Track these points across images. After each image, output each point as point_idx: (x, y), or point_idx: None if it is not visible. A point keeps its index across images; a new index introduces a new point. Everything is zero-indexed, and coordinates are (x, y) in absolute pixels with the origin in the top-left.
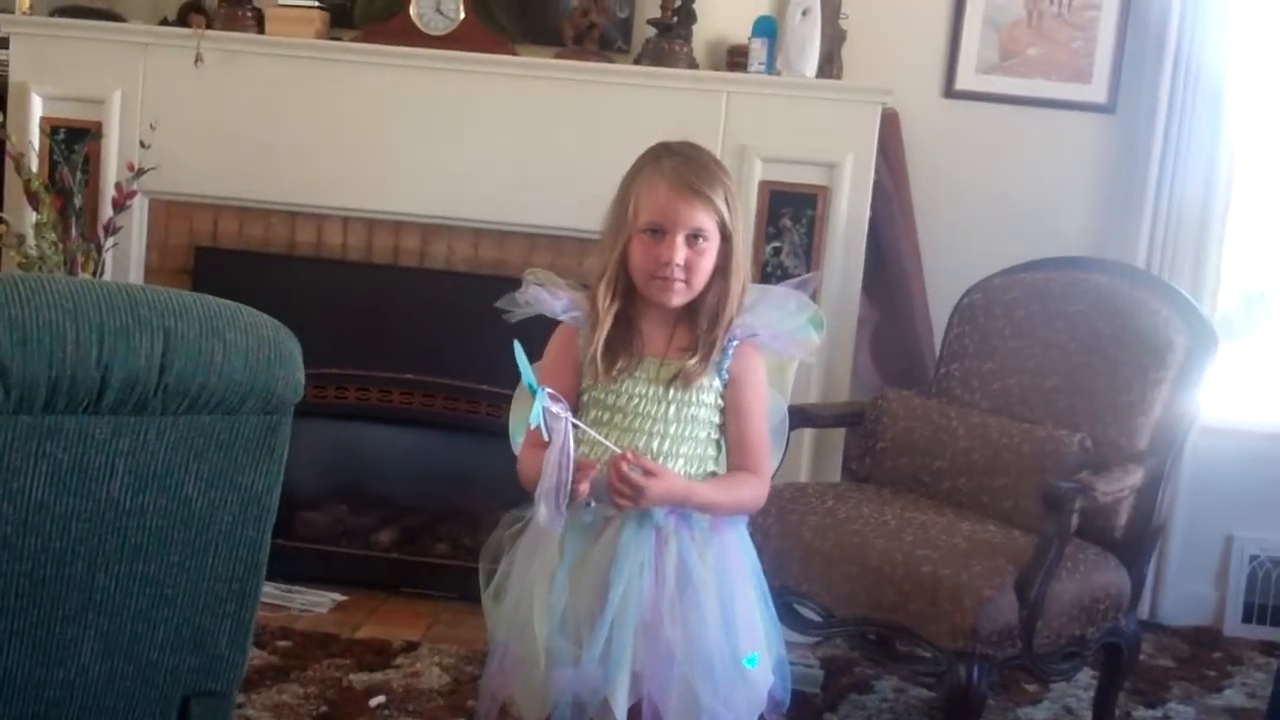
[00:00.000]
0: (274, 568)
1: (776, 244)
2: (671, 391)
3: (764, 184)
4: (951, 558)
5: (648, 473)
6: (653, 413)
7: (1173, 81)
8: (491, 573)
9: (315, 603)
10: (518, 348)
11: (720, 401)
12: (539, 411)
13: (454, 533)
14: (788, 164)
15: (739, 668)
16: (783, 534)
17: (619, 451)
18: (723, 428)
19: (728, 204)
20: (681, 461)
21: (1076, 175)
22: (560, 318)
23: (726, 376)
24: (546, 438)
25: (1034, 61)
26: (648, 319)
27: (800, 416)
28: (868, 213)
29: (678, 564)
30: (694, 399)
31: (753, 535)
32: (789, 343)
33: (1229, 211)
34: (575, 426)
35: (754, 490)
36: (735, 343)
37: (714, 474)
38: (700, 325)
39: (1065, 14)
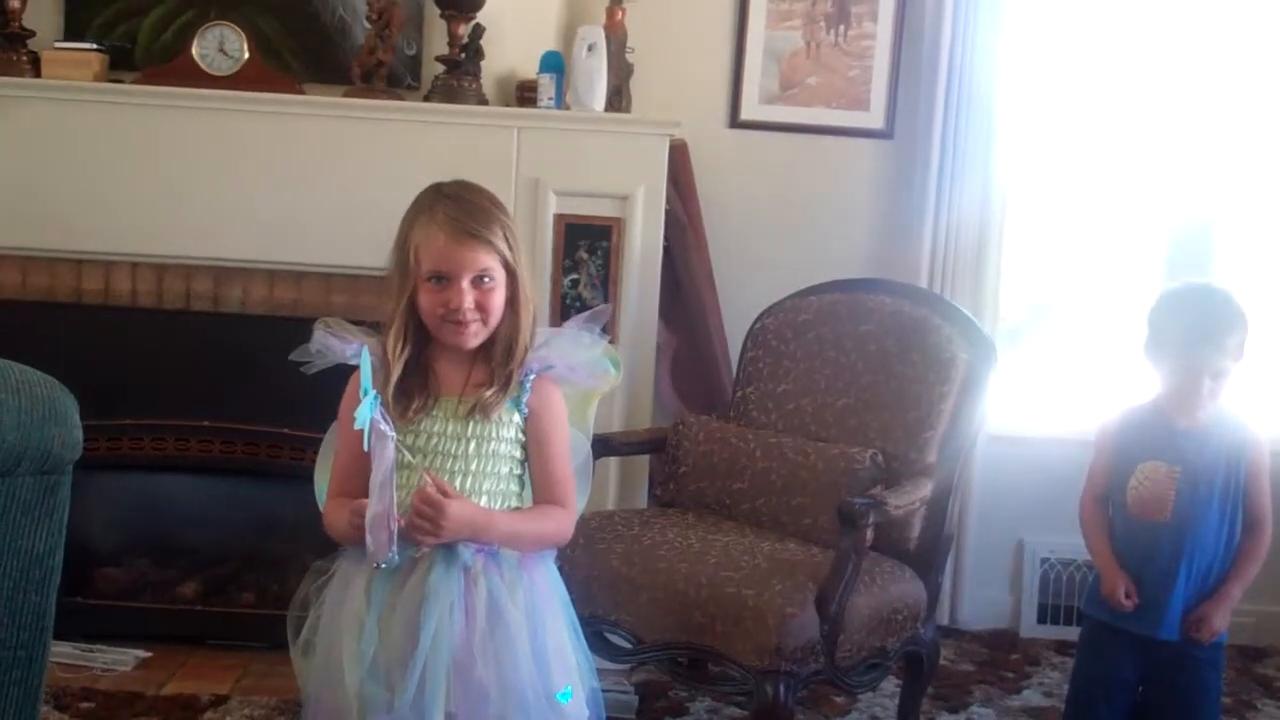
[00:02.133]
0: (73, 626)
1: (574, 276)
2: (471, 427)
3: (559, 217)
4: (754, 578)
5: (446, 495)
6: (453, 450)
7: (946, 107)
8: (300, 624)
9: (118, 661)
10: (365, 353)
11: (521, 436)
12: (366, 415)
13: (260, 581)
14: (581, 197)
15: (553, 703)
16: (590, 563)
17: (426, 483)
18: (525, 463)
19: (507, 241)
20: (485, 498)
21: (860, 199)
22: (351, 363)
23: (526, 410)
24: (366, 447)
25: (814, 90)
26: (442, 360)
27: (603, 446)
28: (661, 242)
29: (488, 603)
30: (494, 434)
31: (560, 566)
32: (586, 375)
33: (1004, 228)
34: (399, 452)
35: (559, 523)
36: (532, 376)
37: (515, 510)
38: (495, 360)
39: (842, 44)
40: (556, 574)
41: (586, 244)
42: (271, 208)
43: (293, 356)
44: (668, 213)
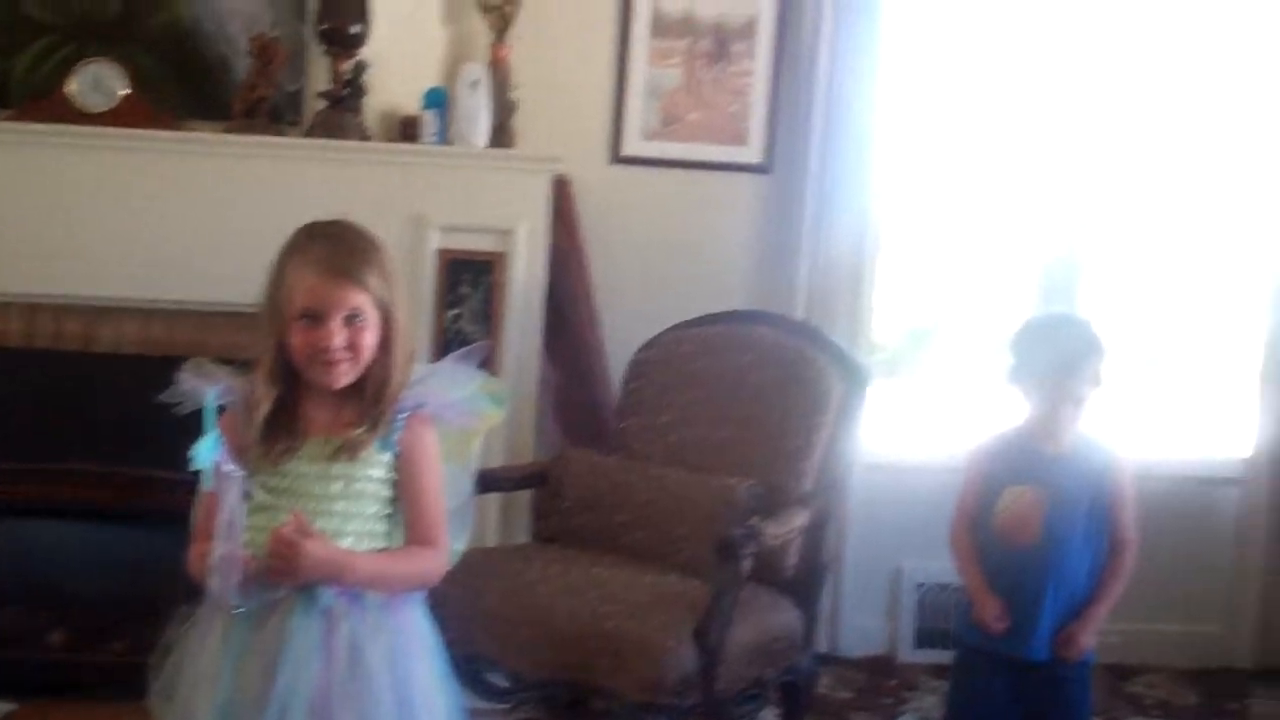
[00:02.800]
0: None
1: (456, 311)
2: (337, 467)
3: (441, 252)
4: (633, 612)
5: (281, 542)
6: (317, 491)
7: (823, 140)
8: (162, 670)
9: None
10: (210, 394)
11: (391, 475)
12: (207, 455)
13: (133, 629)
14: (464, 232)
15: None
16: (469, 602)
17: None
18: (395, 503)
19: (382, 280)
20: (351, 539)
21: (740, 233)
22: (223, 403)
23: (397, 449)
24: (208, 486)
25: (694, 126)
26: (311, 401)
27: (485, 481)
28: (544, 277)
29: (349, 647)
30: (361, 474)
31: (437, 606)
32: (461, 413)
33: (878, 259)
34: (247, 495)
35: (427, 563)
36: (404, 415)
37: (382, 551)
38: (365, 399)
39: (721, 80)
40: (424, 616)
41: (469, 279)
42: (149, 245)
43: (162, 398)
44: (551, 247)
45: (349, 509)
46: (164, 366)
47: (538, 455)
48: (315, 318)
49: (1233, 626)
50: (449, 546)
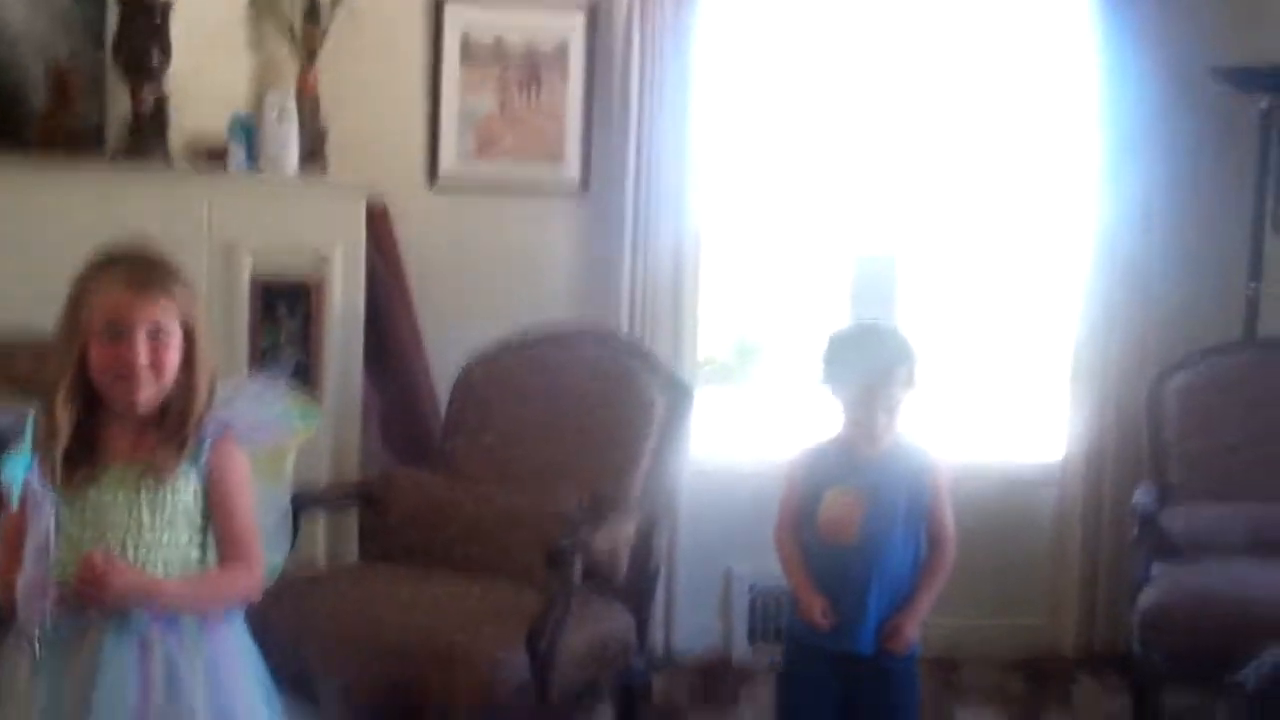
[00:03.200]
0: None
1: (273, 337)
2: (143, 494)
3: (255, 278)
4: (464, 623)
5: (89, 568)
6: (123, 521)
7: (638, 159)
8: None
9: None
10: (30, 416)
11: (201, 500)
12: (18, 474)
13: None
14: (278, 258)
15: None
16: (299, 622)
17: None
18: (206, 529)
19: (185, 296)
20: (162, 568)
21: (561, 251)
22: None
23: (206, 472)
24: (15, 505)
25: (511, 149)
26: (111, 427)
27: (310, 499)
28: (362, 300)
29: (165, 671)
30: (169, 501)
31: (265, 627)
32: (269, 432)
33: (700, 273)
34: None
35: (240, 580)
36: (209, 439)
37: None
38: (168, 424)
39: (533, 103)
40: (245, 634)
41: (284, 304)
42: None
43: None
44: (371, 273)
45: (159, 538)
46: None
47: (364, 475)
48: (118, 333)
49: (1055, 618)
50: (263, 562)
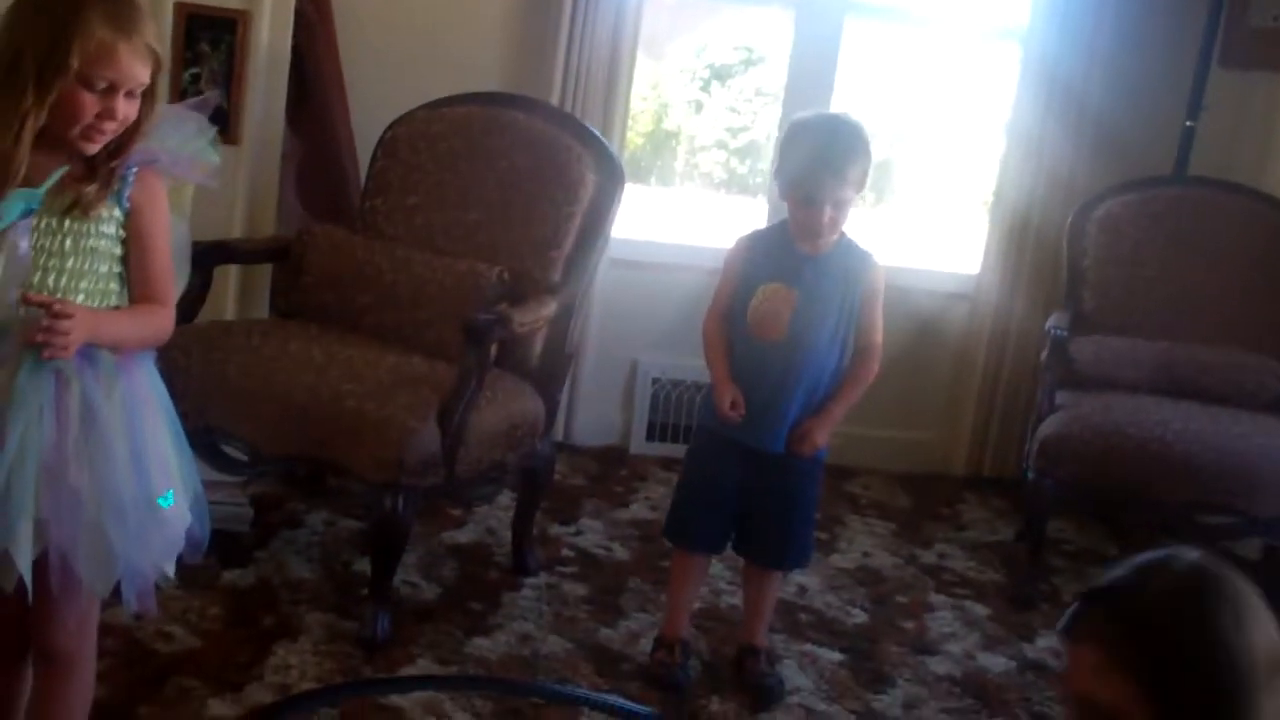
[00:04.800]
0: None
1: (195, 70)
2: (67, 224)
3: (180, 5)
4: (376, 392)
5: (60, 314)
6: (48, 246)
7: None
8: None
9: None
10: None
11: (121, 232)
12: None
13: None
14: None
15: (153, 508)
16: (206, 374)
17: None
18: (124, 260)
19: (158, 35)
20: (82, 297)
21: (497, 13)
22: None
23: (128, 205)
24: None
25: None
26: (42, 149)
27: (223, 252)
28: (290, 40)
29: (81, 405)
30: (92, 230)
31: (174, 375)
32: (189, 167)
33: (636, 53)
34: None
35: (160, 321)
36: (135, 169)
37: (117, 309)
38: (100, 155)
39: None
40: (156, 375)
41: (209, 36)
42: None
43: None
44: (298, 12)
45: (80, 266)
46: None
47: (277, 230)
48: (103, 86)
49: (950, 435)
50: (174, 301)
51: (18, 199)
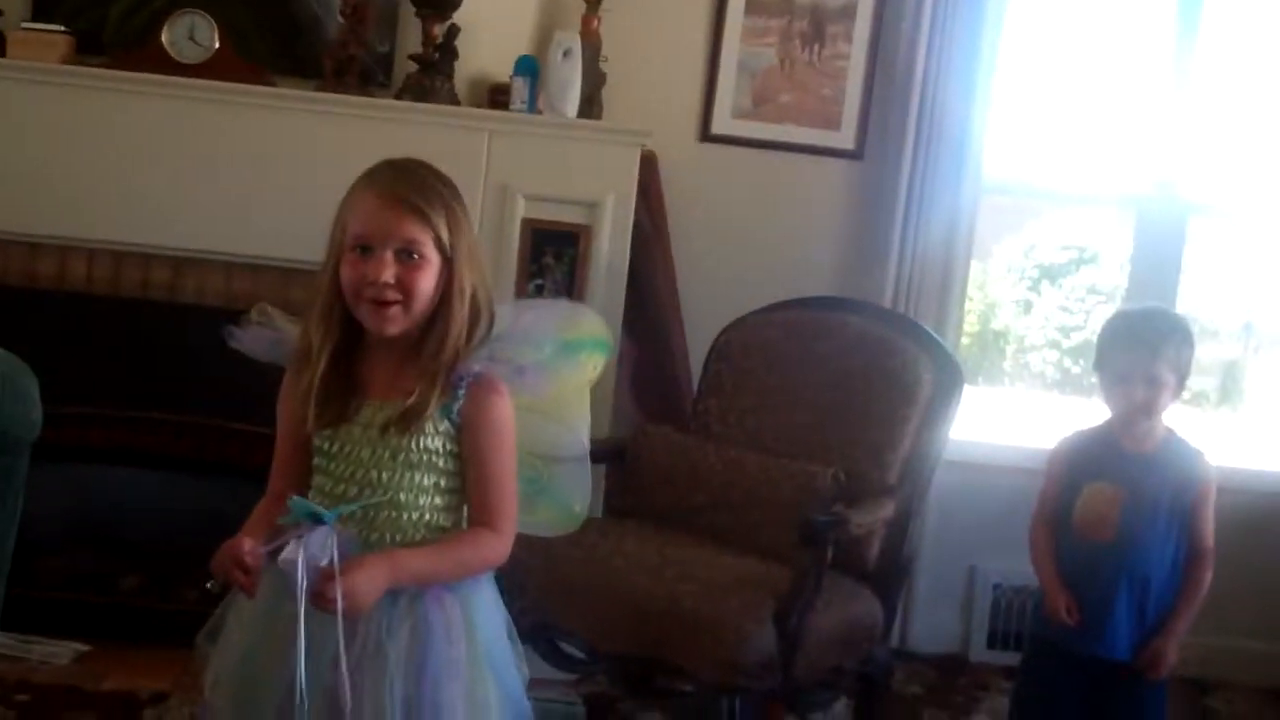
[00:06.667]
0: (8, 618)
1: (539, 282)
2: (388, 437)
3: (526, 221)
4: (711, 592)
5: (330, 577)
6: (365, 459)
7: (918, 129)
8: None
9: (55, 653)
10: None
11: (451, 447)
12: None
13: (203, 578)
14: (550, 202)
15: None
16: (546, 570)
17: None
18: (458, 475)
19: (447, 221)
20: (397, 513)
21: (827, 218)
22: (264, 359)
23: (458, 419)
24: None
25: (786, 108)
26: (370, 358)
27: None
28: (628, 251)
29: (372, 636)
30: (415, 445)
31: (515, 570)
32: (537, 378)
33: (970, 255)
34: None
35: (486, 549)
36: (466, 381)
37: (443, 529)
38: (424, 357)
39: (816, 62)
40: (483, 603)
41: (553, 250)
42: (233, 198)
43: (231, 341)
44: (635, 223)
45: (396, 480)
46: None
47: (613, 431)
48: (368, 248)
49: None
50: (514, 525)
51: (303, 508)
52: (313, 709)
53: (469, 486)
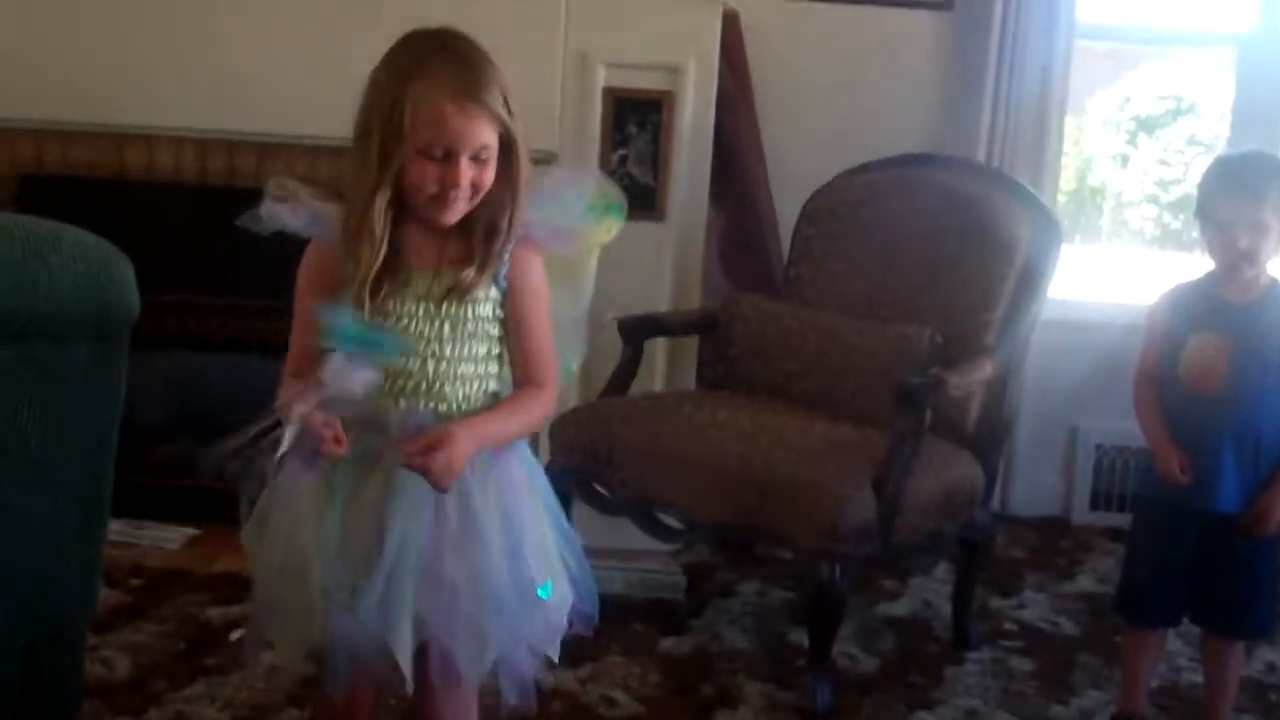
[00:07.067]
0: (120, 504)
1: (623, 152)
2: (445, 308)
3: (608, 90)
4: (808, 459)
5: (433, 447)
6: (426, 333)
7: None
8: (254, 502)
9: (166, 539)
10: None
11: (499, 313)
12: (348, 331)
13: None
14: (631, 69)
15: (531, 599)
16: (640, 444)
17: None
18: (503, 340)
19: (506, 106)
20: (461, 384)
21: (917, 74)
22: (304, 234)
23: (505, 285)
24: (332, 344)
25: None
26: (414, 233)
27: (653, 325)
28: (713, 117)
29: (458, 496)
30: (470, 314)
31: (613, 445)
32: (569, 239)
33: (1066, 106)
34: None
35: (542, 407)
36: (509, 249)
37: (496, 394)
38: (476, 236)
39: None
40: (531, 460)
41: (636, 118)
42: (317, 78)
43: (240, 221)
44: (720, 89)
45: (459, 352)
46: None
47: (703, 301)
48: (442, 154)
49: None
50: (558, 380)
51: (354, 332)
52: (414, 572)
53: (514, 347)
